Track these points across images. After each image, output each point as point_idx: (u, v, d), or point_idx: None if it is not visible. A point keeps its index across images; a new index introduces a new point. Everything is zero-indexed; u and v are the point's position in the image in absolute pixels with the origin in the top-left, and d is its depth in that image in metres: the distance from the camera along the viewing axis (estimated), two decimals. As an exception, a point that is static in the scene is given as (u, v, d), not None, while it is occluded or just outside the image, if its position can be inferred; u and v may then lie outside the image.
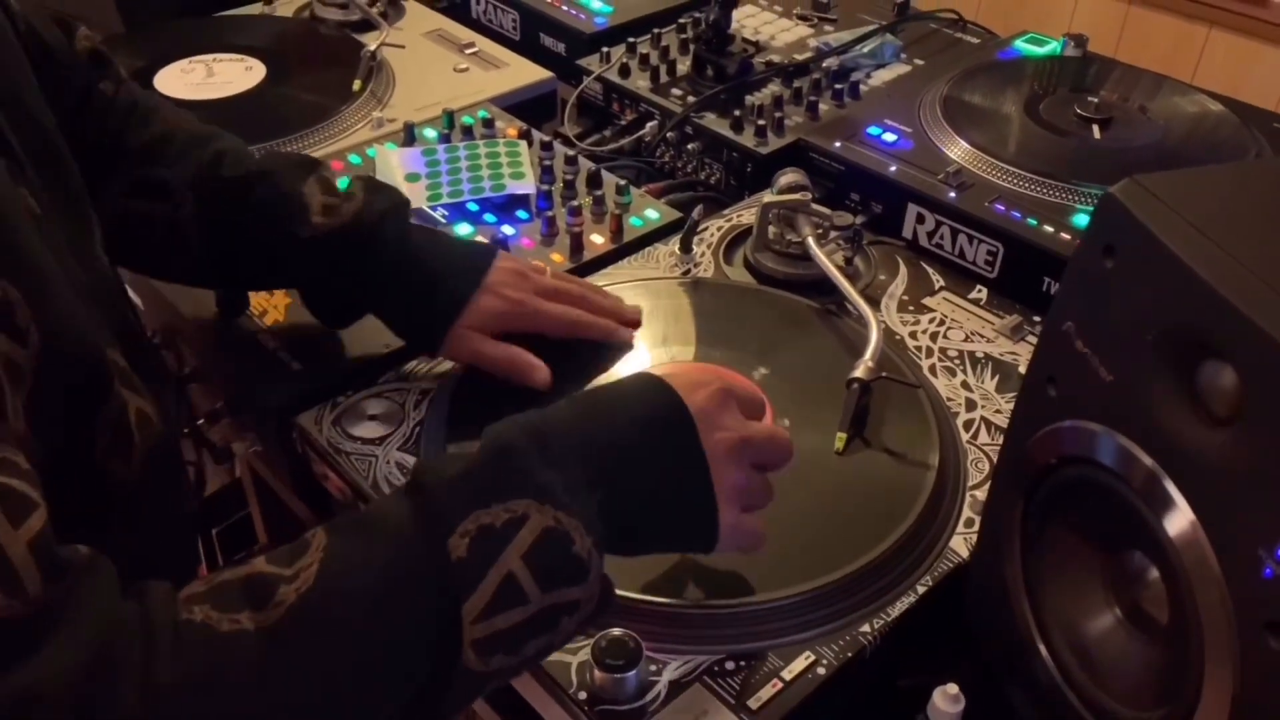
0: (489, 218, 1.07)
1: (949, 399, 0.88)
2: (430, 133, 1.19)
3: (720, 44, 1.28)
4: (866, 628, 0.71)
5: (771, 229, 1.02)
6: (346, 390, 0.87)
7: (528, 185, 1.09)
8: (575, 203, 1.04)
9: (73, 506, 0.52)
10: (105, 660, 0.47)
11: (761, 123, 1.17)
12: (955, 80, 1.20)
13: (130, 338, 0.71)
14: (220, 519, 1.20)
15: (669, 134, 1.22)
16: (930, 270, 1.03)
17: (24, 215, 0.57)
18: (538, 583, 0.56)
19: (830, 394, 0.84)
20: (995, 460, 0.81)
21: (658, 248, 1.04)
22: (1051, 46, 1.33)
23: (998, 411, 0.87)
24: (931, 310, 0.98)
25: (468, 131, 1.19)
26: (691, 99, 1.24)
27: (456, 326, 0.83)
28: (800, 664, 0.68)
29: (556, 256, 1.02)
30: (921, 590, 0.73)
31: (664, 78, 1.28)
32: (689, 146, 1.22)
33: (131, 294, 1.01)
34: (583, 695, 0.66)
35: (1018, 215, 1.00)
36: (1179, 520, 0.54)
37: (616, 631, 0.66)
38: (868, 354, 0.85)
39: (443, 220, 1.07)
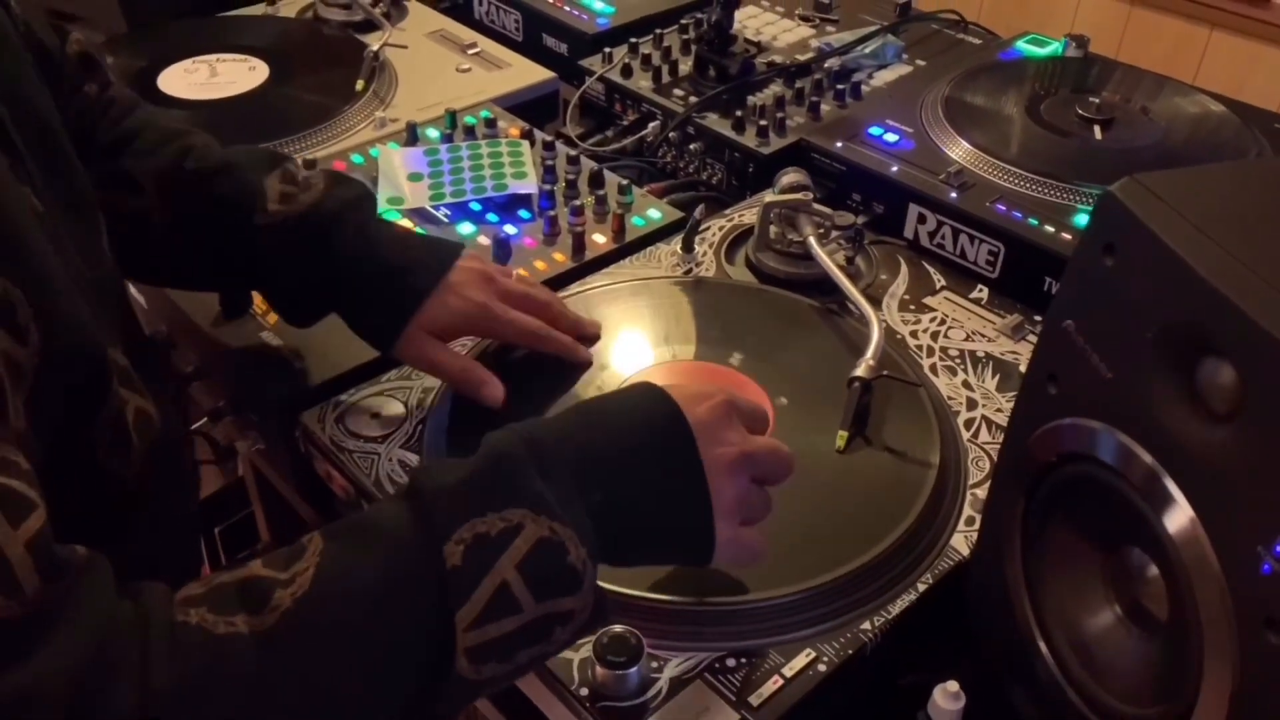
0: (491, 217, 1.08)
1: (950, 398, 0.88)
2: (433, 132, 1.19)
3: (722, 44, 1.28)
4: (867, 625, 0.71)
5: (773, 229, 1.02)
6: (349, 388, 0.88)
7: (530, 185, 1.09)
8: (577, 202, 1.05)
9: (73, 506, 0.52)
10: (101, 662, 0.47)
11: (763, 123, 1.17)
12: (957, 81, 1.20)
13: (132, 336, 0.72)
14: (223, 518, 1.21)
15: (671, 134, 1.22)
16: (931, 270, 1.03)
17: (27, 213, 0.57)
18: (531, 592, 0.56)
19: (831, 393, 0.84)
20: (996, 459, 0.81)
21: (660, 247, 1.04)
22: (1053, 47, 1.33)
23: (998, 410, 0.87)
24: (933, 310, 0.98)
25: (470, 131, 1.20)
26: (693, 99, 1.24)
27: (412, 325, 0.80)
28: (801, 661, 0.68)
29: (559, 256, 1.03)
30: (922, 588, 0.74)
31: (666, 78, 1.29)
32: (691, 147, 1.22)
33: (135, 293, 1.02)
34: (584, 692, 0.66)
35: (1019, 215, 1.00)
36: (1178, 517, 0.54)
37: (618, 628, 0.66)
38: (869, 353, 0.86)
39: (445, 220, 1.07)
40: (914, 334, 0.95)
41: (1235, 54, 2.28)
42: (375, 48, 1.31)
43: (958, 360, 0.92)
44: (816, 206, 1.00)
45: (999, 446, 0.78)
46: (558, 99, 1.36)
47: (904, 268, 1.03)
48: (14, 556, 0.46)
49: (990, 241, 1.00)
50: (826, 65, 1.30)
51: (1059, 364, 0.62)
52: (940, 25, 1.46)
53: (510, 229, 1.06)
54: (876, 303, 0.98)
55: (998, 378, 0.90)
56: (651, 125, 1.25)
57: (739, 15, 1.35)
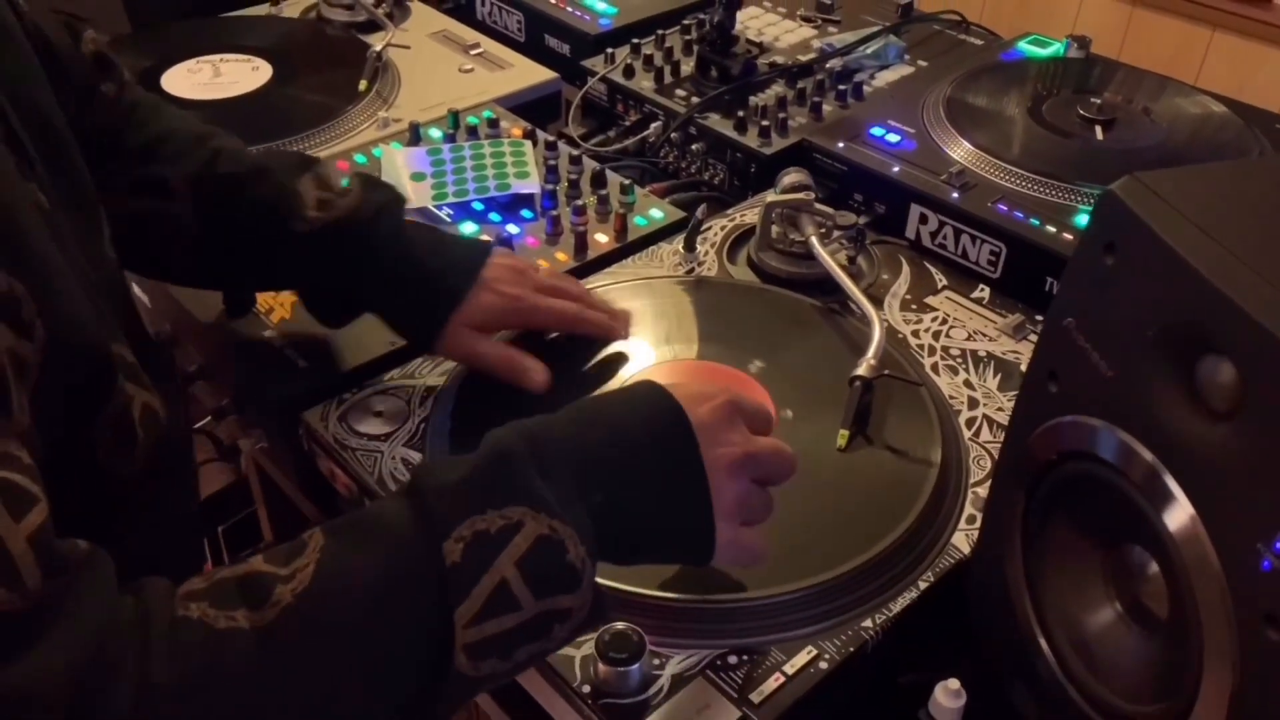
0: (494, 217, 1.08)
1: (951, 397, 0.89)
2: (436, 133, 1.20)
3: (724, 45, 1.28)
4: (868, 623, 0.71)
5: (775, 228, 1.02)
6: (352, 387, 0.88)
7: (532, 185, 1.09)
8: (580, 202, 1.05)
9: (75, 503, 0.52)
10: (101, 657, 0.47)
11: (765, 123, 1.17)
12: (958, 81, 1.20)
13: (135, 335, 0.72)
14: (226, 516, 1.21)
15: (673, 134, 1.22)
16: (933, 270, 1.03)
17: (32, 211, 0.58)
18: (530, 589, 0.56)
19: (833, 392, 0.85)
20: (997, 457, 0.82)
21: (662, 247, 1.05)
22: (1055, 48, 1.33)
23: (999, 409, 0.87)
24: (934, 309, 0.98)
25: (473, 131, 1.20)
26: (695, 100, 1.24)
27: (453, 323, 0.83)
28: (802, 658, 0.69)
29: (561, 255, 1.03)
30: (923, 586, 0.74)
31: (668, 78, 1.29)
32: (693, 147, 1.22)
33: (139, 292, 1.03)
34: (586, 689, 0.66)
35: (1020, 216, 1.01)
36: (1179, 515, 0.54)
37: (620, 625, 0.66)
38: (870, 352, 0.86)
39: (448, 219, 1.07)
40: (915, 333, 0.95)
41: (1237, 55, 2.28)
42: (378, 48, 1.31)
43: (959, 359, 0.92)
44: (818, 206, 1.01)
45: (1000, 445, 0.78)
46: (560, 99, 1.37)
47: (906, 267, 1.04)
48: (16, 550, 0.46)
49: (992, 242, 1.00)
50: (828, 66, 1.31)
51: (1060, 362, 0.62)
52: (942, 26, 1.46)
53: (513, 229, 1.06)
54: (878, 302, 0.98)
55: (999, 377, 0.91)
56: (653, 125, 1.25)
57: (741, 16, 1.35)
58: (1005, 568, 0.68)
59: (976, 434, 0.86)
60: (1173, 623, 0.57)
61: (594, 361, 0.89)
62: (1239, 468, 0.51)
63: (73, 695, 0.45)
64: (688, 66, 1.31)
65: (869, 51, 1.35)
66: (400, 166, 1.12)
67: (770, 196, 1.01)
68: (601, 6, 1.46)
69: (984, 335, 0.95)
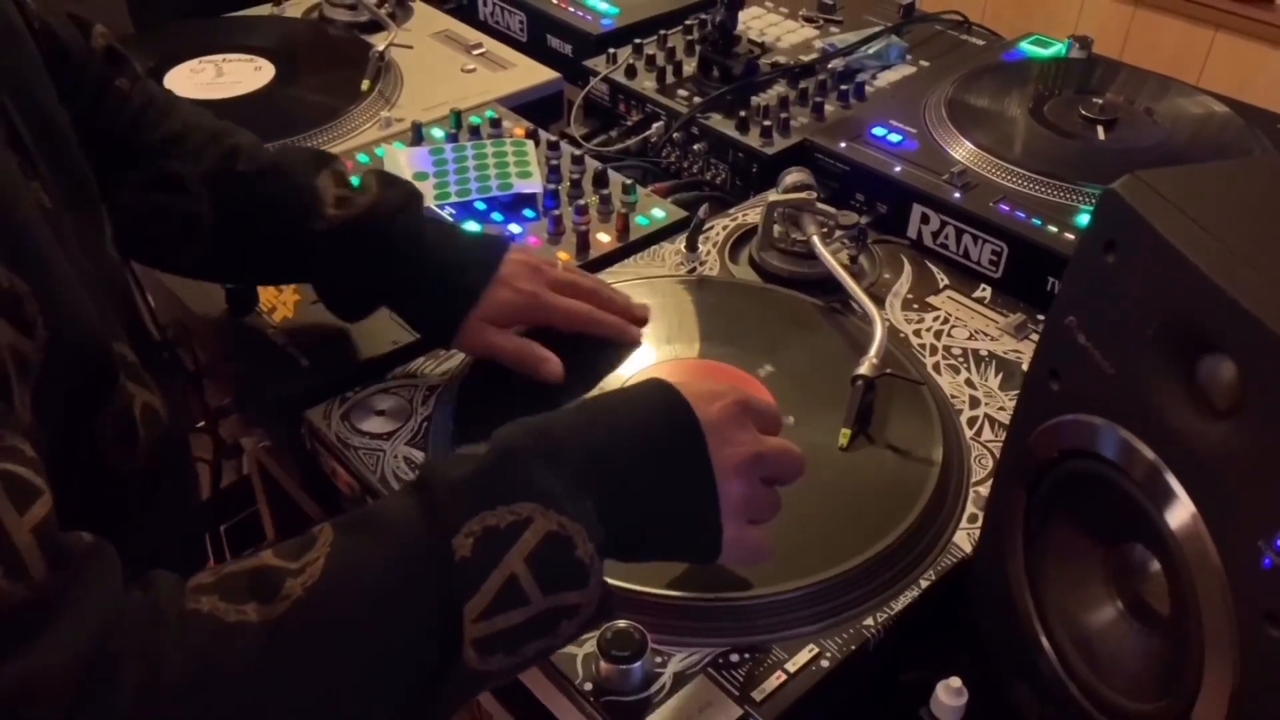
0: (496, 216, 1.08)
1: (953, 396, 0.89)
2: (438, 132, 1.20)
3: (726, 45, 1.28)
4: (870, 622, 0.71)
5: (777, 228, 1.02)
6: (355, 386, 0.88)
7: (534, 184, 1.10)
8: (582, 201, 1.05)
9: (76, 502, 0.52)
10: (107, 648, 0.47)
11: (767, 123, 1.17)
12: (960, 81, 1.20)
13: (138, 333, 0.72)
14: (228, 515, 1.21)
15: (675, 134, 1.23)
16: (935, 269, 1.04)
17: (34, 211, 0.58)
18: (539, 585, 0.56)
19: (835, 391, 0.85)
20: (998, 456, 0.82)
21: (664, 246, 1.05)
22: (1056, 48, 1.33)
23: (1001, 408, 0.88)
24: (936, 309, 0.98)
25: (475, 131, 1.20)
26: (697, 100, 1.24)
27: (470, 318, 0.84)
28: (804, 656, 0.69)
29: (563, 255, 1.03)
30: (925, 585, 0.74)
31: (670, 79, 1.29)
32: (695, 147, 1.22)
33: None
34: (588, 686, 0.66)
35: (1022, 215, 1.01)
36: (1180, 512, 0.54)
37: (622, 623, 0.67)
38: (872, 351, 0.86)
39: (450, 219, 1.07)
40: (917, 333, 0.95)
41: (1239, 55, 2.28)
42: (380, 48, 1.32)
43: (960, 359, 0.92)
44: (820, 206, 1.01)
45: (1001, 444, 0.78)
46: (562, 99, 1.37)
47: (907, 267, 1.04)
48: (20, 542, 0.46)
49: (993, 241, 1.01)
50: (830, 66, 1.31)
51: (1061, 360, 0.62)
52: (944, 26, 1.46)
53: (515, 228, 1.06)
54: (880, 301, 0.98)
55: (1000, 376, 0.91)
56: (655, 125, 1.25)
57: (743, 16, 1.35)
58: (1007, 566, 0.68)
59: (978, 433, 0.86)
60: (1174, 620, 0.57)
61: (604, 359, 0.89)
62: (1240, 465, 0.51)
63: (78, 686, 0.45)
64: (690, 66, 1.31)
65: (871, 52, 1.35)
66: (403, 166, 1.12)
67: (772, 196, 1.02)
68: (603, 7, 1.46)
69: (985, 335, 0.95)
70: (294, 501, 1.00)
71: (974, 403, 0.88)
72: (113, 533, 0.54)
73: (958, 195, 1.04)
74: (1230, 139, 1.12)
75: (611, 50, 1.33)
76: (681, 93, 1.27)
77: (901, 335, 0.95)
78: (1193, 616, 0.54)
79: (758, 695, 0.67)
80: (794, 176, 1.02)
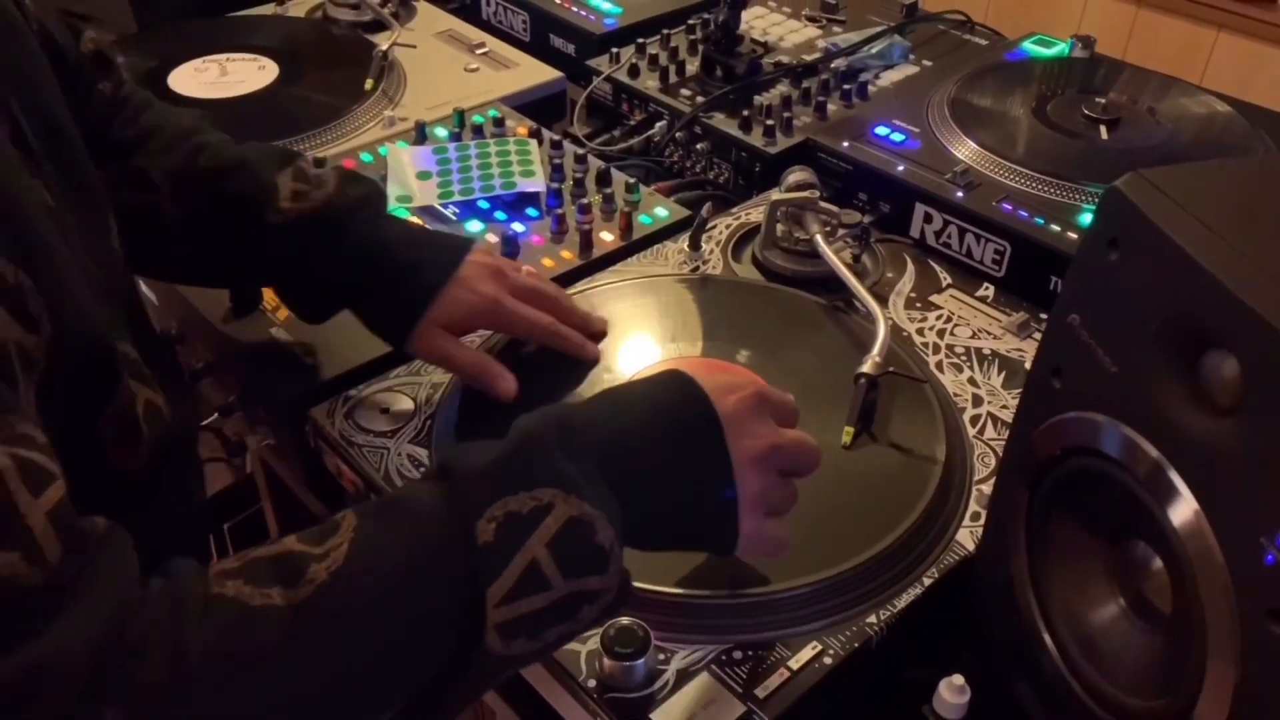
0: (500, 215, 1.08)
1: (956, 394, 0.89)
2: (441, 131, 1.20)
3: (729, 45, 1.29)
4: (873, 619, 0.71)
5: (780, 227, 1.02)
6: (359, 384, 0.88)
7: (538, 183, 1.10)
8: (585, 200, 1.05)
9: (79, 500, 0.52)
10: (122, 631, 0.47)
11: (770, 123, 1.17)
12: (963, 81, 1.21)
13: (142, 332, 0.72)
14: (232, 514, 1.21)
15: (678, 134, 1.23)
16: (938, 268, 1.04)
17: (39, 208, 0.58)
18: (560, 569, 0.57)
19: (838, 389, 0.85)
20: (1001, 454, 0.82)
21: (667, 245, 1.05)
22: (1059, 48, 1.33)
23: (1004, 407, 0.88)
24: (939, 307, 0.98)
25: (478, 130, 1.20)
26: (700, 99, 1.24)
27: (424, 320, 0.81)
28: (807, 654, 0.69)
29: (566, 254, 1.03)
30: (928, 583, 0.74)
31: (673, 78, 1.29)
32: (698, 146, 1.22)
33: (145, 290, 1.03)
34: (592, 683, 0.67)
35: (1025, 215, 1.01)
36: (1182, 510, 0.54)
37: (625, 620, 0.67)
38: (875, 350, 0.86)
39: (453, 218, 1.08)
40: (920, 331, 0.95)
41: (1242, 55, 2.28)
42: (384, 47, 1.32)
43: (964, 357, 0.93)
44: (823, 205, 1.01)
45: (1004, 442, 0.78)
46: (565, 99, 1.37)
47: (910, 266, 1.04)
48: (36, 525, 0.46)
49: (996, 241, 1.01)
50: (833, 65, 1.31)
51: (1064, 358, 0.62)
52: (947, 26, 1.46)
53: (518, 227, 1.06)
54: (883, 300, 0.98)
55: (1003, 374, 0.91)
56: (658, 125, 1.25)
57: (746, 15, 1.35)
58: (1009, 564, 0.68)
59: (981, 431, 0.86)
60: (1176, 618, 0.58)
61: (563, 376, 0.87)
62: (1243, 462, 0.51)
63: (95, 669, 0.46)
64: (693, 66, 1.31)
65: (874, 51, 1.35)
66: (406, 165, 1.12)
67: (775, 195, 1.02)
68: (606, 6, 1.46)
69: (988, 333, 0.95)
70: (298, 500, 1.00)
71: (977, 401, 0.88)
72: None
73: (960, 194, 1.04)
74: (1233, 139, 1.12)
75: (614, 50, 1.33)
76: (684, 92, 1.27)
77: (904, 334, 0.95)
78: (1195, 614, 0.54)
79: (761, 692, 0.67)
80: (797, 176, 1.02)
